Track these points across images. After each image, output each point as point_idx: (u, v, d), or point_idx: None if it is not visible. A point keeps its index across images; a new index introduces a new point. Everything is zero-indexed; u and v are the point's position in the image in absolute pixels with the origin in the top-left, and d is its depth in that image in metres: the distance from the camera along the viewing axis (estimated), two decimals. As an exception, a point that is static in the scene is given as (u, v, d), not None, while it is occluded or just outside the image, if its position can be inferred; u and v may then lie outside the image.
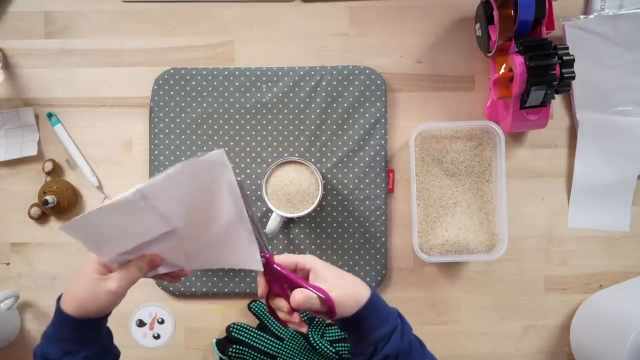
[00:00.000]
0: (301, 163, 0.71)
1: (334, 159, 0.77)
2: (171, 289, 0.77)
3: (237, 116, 0.78)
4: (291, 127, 0.78)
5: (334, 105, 0.77)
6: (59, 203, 0.76)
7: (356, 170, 0.77)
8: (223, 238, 0.53)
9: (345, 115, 0.77)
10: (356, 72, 0.77)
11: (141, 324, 0.78)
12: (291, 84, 0.78)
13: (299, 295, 0.51)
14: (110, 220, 0.49)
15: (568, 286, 0.78)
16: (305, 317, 0.76)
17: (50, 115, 0.79)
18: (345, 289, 0.53)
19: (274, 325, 0.76)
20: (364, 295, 0.53)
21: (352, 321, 0.53)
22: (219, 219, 0.52)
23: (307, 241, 0.77)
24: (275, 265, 0.53)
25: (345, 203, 0.77)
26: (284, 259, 0.55)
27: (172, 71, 0.78)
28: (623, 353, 0.64)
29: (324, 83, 0.77)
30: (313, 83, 0.77)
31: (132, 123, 0.79)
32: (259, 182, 0.77)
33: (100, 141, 0.79)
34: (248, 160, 0.78)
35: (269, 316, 0.76)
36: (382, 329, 0.53)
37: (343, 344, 0.75)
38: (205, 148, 0.78)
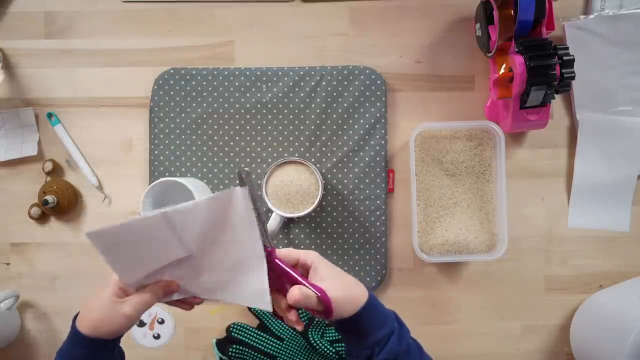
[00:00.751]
0: (301, 163, 0.71)
1: (334, 159, 0.77)
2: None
3: (237, 116, 0.78)
4: (291, 127, 0.78)
5: (334, 105, 0.77)
6: (59, 203, 0.76)
7: (356, 170, 0.77)
8: (237, 274, 0.54)
9: (345, 115, 0.77)
10: (356, 72, 0.77)
11: (141, 324, 0.78)
12: (291, 84, 0.78)
13: (296, 292, 0.50)
14: (132, 239, 0.49)
15: (568, 286, 0.78)
16: (306, 317, 0.76)
17: (50, 115, 0.79)
18: (344, 289, 0.52)
19: (274, 325, 0.76)
20: (363, 297, 0.53)
21: (349, 323, 0.53)
22: (236, 253, 0.53)
23: (307, 241, 0.77)
24: (276, 260, 0.53)
25: (345, 203, 0.77)
26: (285, 254, 0.54)
27: (172, 71, 0.78)
28: (623, 353, 0.64)
29: (324, 83, 0.77)
30: (313, 83, 0.77)
31: (132, 123, 0.79)
32: (259, 182, 0.77)
33: (100, 141, 0.79)
34: (248, 160, 0.78)
35: (269, 316, 0.76)
36: (379, 332, 0.53)
37: (343, 344, 0.75)
38: (205, 148, 0.78)
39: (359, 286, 0.54)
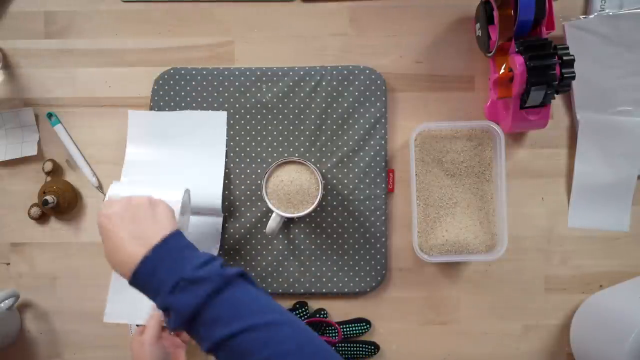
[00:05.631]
0: (301, 163, 0.71)
1: (334, 159, 0.77)
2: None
3: (237, 116, 0.78)
4: (291, 127, 0.78)
5: (334, 105, 0.77)
6: (59, 203, 0.76)
7: (356, 170, 0.77)
8: None
9: (345, 115, 0.77)
10: (356, 72, 0.77)
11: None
12: (291, 84, 0.78)
13: None
14: None
15: (568, 286, 0.78)
16: (306, 314, 0.76)
17: (50, 115, 0.79)
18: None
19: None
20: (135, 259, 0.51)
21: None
22: None
23: (307, 241, 0.77)
24: None
25: (345, 203, 0.77)
26: None
27: (172, 71, 0.78)
28: (623, 353, 0.64)
29: (324, 83, 0.77)
30: (313, 83, 0.77)
31: (132, 123, 0.79)
32: (259, 182, 0.77)
33: (100, 141, 0.79)
34: (248, 160, 0.78)
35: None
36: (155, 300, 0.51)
37: (343, 344, 0.75)
38: (205, 148, 0.78)
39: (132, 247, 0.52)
